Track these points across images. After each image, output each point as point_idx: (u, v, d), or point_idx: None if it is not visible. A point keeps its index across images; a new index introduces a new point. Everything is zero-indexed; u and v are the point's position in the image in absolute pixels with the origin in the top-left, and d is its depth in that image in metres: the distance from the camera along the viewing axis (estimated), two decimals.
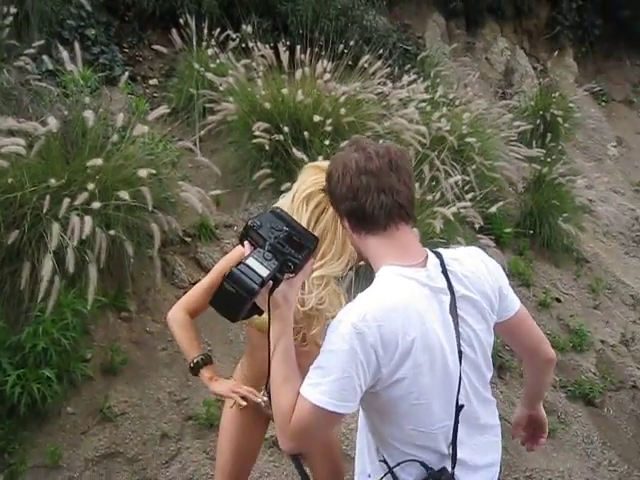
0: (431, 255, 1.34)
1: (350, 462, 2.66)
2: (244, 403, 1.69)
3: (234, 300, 1.17)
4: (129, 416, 2.86)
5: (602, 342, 4.52)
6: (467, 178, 4.27)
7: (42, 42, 4.17)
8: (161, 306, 3.40)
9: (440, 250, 1.37)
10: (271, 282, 1.22)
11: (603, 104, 7.89)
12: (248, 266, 1.18)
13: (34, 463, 2.58)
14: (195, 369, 1.74)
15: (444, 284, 1.30)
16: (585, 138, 7.02)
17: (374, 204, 1.26)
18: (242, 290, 1.16)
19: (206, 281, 1.78)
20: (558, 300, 4.71)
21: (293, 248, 1.25)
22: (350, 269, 1.75)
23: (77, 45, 3.61)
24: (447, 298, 1.29)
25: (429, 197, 3.84)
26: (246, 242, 1.28)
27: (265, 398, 1.75)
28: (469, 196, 4.10)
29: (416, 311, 1.23)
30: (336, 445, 2.05)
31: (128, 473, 2.67)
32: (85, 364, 2.91)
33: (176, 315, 1.78)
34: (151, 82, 5.15)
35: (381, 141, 4.13)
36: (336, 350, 1.20)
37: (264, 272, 1.18)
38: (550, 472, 3.47)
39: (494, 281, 1.38)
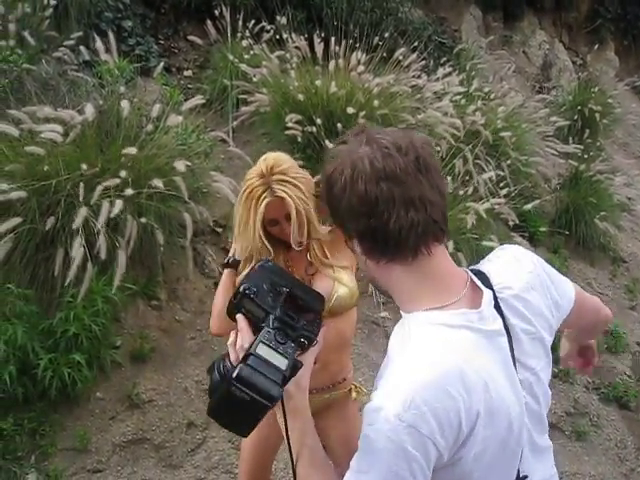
0: (476, 281, 1.01)
1: None
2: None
3: (248, 409, 0.86)
4: (157, 403, 2.89)
5: (638, 344, 4.39)
6: (501, 173, 4.19)
7: (80, 33, 4.24)
8: (191, 295, 3.43)
9: (480, 268, 1.07)
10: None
11: None
12: (260, 358, 0.86)
13: (64, 446, 2.63)
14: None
15: (500, 323, 0.98)
16: (625, 134, 6.83)
17: (401, 223, 0.91)
18: (260, 396, 0.84)
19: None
20: None
21: (302, 316, 0.96)
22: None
23: (112, 36, 3.64)
24: (504, 340, 0.98)
25: (461, 192, 3.78)
26: (239, 316, 0.97)
27: None
28: (503, 192, 4.02)
29: (475, 373, 0.91)
30: None
31: (154, 459, 2.69)
32: (115, 351, 2.95)
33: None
34: (185, 73, 5.17)
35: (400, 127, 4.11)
36: (379, 451, 0.88)
37: (282, 363, 0.88)
38: (581, 476, 3.39)
39: (545, 290, 1.07)
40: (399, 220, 0.91)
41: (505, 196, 3.99)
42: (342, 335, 1.76)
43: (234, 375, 0.85)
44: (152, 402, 2.88)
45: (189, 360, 3.13)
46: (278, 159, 1.64)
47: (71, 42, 4.08)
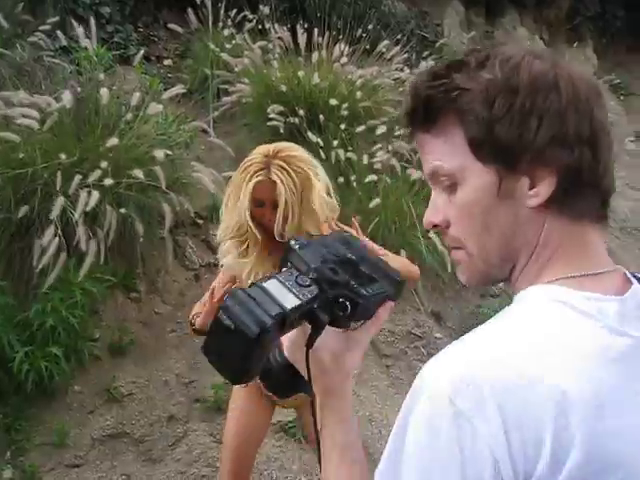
0: (627, 274, 0.73)
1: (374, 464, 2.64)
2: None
3: (234, 342, 0.68)
4: (136, 397, 2.84)
5: None
6: None
7: (57, 19, 4.13)
8: (171, 287, 3.38)
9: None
10: (308, 325, 0.75)
11: (622, 97, 7.75)
12: (263, 289, 0.71)
13: (41, 441, 2.57)
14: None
15: None
16: None
17: (602, 159, 0.68)
18: (244, 325, 0.67)
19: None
20: None
21: (355, 279, 0.77)
22: None
23: (92, 22, 3.55)
24: None
25: None
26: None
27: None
28: None
29: (588, 384, 0.61)
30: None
31: (134, 454, 2.65)
32: (93, 344, 2.89)
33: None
34: (165, 62, 5.09)
35: (397, 127, 4.11)
36: (421, 451, 0.61)
37: (289, 301, 0.70)
38: None
39: None
40: (602, 156, 0.67)
41: None
42: None
43: (225, 300, 0.70)
44: (131, 395, 2.83)
45: (169, 353, 3.08)
46: (289, 147, 1.63)
47: (47, 27, 3.97)
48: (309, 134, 3.81)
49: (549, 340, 0.62)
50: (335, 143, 3.76)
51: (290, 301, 0.70)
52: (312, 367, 0.75)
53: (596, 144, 0.67)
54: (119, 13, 5.29)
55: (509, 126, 0.65)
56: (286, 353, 0.80)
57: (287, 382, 0.80)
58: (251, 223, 1.59)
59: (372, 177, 3.41)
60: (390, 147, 3.73)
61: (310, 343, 0.74)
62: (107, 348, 2.98)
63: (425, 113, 0.70)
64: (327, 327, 0.75)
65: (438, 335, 3.56)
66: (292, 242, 0.80)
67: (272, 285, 0.72)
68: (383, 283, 0.78)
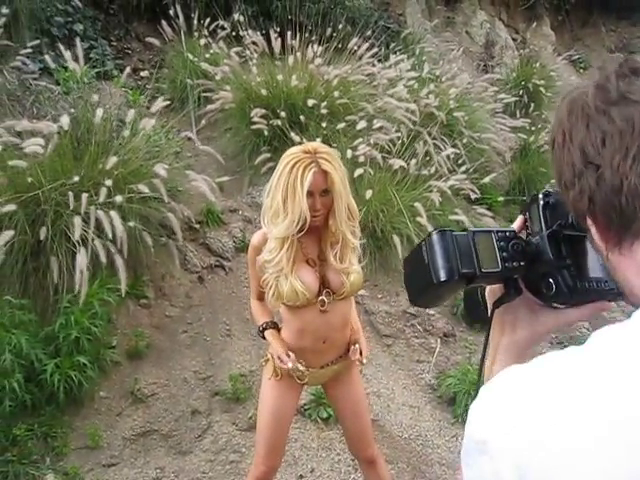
0: None
1: (376, 428, 2.86)
2: (284, 367, 1.89)
3: (420, 272, 0.72)
4: (159, 396, 3.02)
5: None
6: (457, 151, 4.44)
7: (37, 42, 4.25)
8: (177, 291, 3.56)
9: None
10: (501, 287, 0.75)
11: (582, 71, 8.07)
12: (472, 241, 0.70)
13: (76, 445, 2.74)
14: (261, 332, 2.01)
15: None
16: None
17: None
18: (434, 267, 0.70)
19: (250, 273, 2.02)
20: None
21: (577, 262, 0.70)
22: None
23: (79, 42, 3.70)
24: None
25: (424, 172, 4.01)
26: (520, 217, 0.77)
27: (300, 367, 1.94)
28: (461, 169, 4.27)
29: None
30: (366, 407, 2.23)
31: (164, 448, 2.84)
32: (112, 350, 3.06)
33: (251, 302, 2.10)
34: (142, 74, 5.22)
35: (375, 121, 4.32)
36: None
37: (488, 263, 0.69)
38: None
39: None
40: None
41: (463, 172, 4.24)
42: (345, 316, 1.95)
43: (434, 232, 0.72)
44: (155, 395, 3.01)
45: (184, 352, 3.27)
46: (323, 146, 1.80)
47: (28, 50, 4.09)
48: (292, 134, 4.00)
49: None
50: (318, 140, 3.96)
51: (489, 264, 0.70)
52: (494, 319, 0.77)
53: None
54: (91, 29, 5.40)
55: None
56: (486, 292, 0.79)
57: (468, 309, 0.86)
58: (308, 214, 1.72)
59: (359, 171, 3.62)
60: (371, 140, 3.94)
61: (497, 304, 0.75)
62: (125, 353, 3.16)
63: None
64: (528, 294, 0.74)
65: (431, 312, 3.79)
66: (541, 194, 0.74)
67: (483, 240, 0.71)
68: (610, 283, 0.69)
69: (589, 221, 0.59)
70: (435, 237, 0.71)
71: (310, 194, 1.74)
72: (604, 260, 0.62)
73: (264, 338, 2.01)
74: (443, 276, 0.69)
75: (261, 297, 2.02)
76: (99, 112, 3.16)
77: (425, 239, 0.72)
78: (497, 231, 0.73)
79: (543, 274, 0.70)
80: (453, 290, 0.74)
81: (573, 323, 0.77)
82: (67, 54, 3.57)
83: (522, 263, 0.71)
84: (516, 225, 0.78)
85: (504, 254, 0.71)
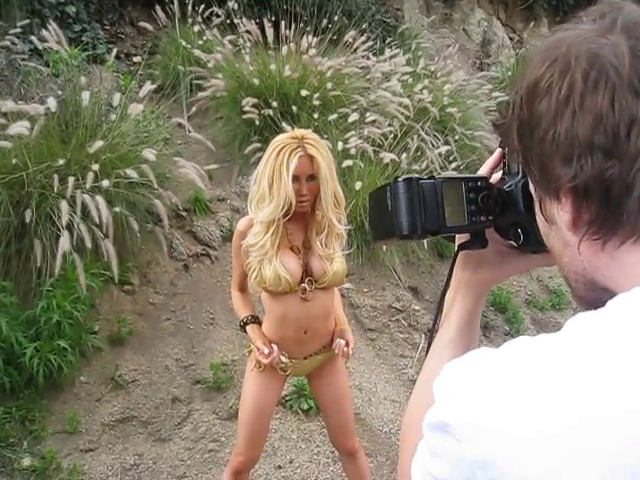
0: None
1: (357, 421, 2.86)
2: (265, 362, 1.88)
3: (384, 219, 0.69)
4: (140, 383, 3.01)
5: None
6: (450, 148, 4.43)
7: (28, 21, 4.19)
8: (162, 278, 3.53)
9: None
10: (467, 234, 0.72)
11: None
12: (439, 194, 0.66)
13: (54, 429, 2.72)
14: (242, 326, 2.00)
15: None
16: None
17: None
18: (398, 220, 0.66)
19: (234, 261, 2.03)
20: None
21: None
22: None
23: (54, 24, 3.64)
24: None
25: (415, 167, 4.00)
26: (498, 151, 0.72)
27: (284, 359, 1.93)
28: (452, 166, 4.26)
29: None
30: (349, 399, 2.22)
31: (144, 435, 2.83)
32: (94, 336, 3.04)
33: (232, 294, 2.10)
34: (135, 59, 5.16)
35: (368, 114, 4.30)
36: None
37: (454, 219, 0.67)
38: None
39: None
40: None
41: (454, 169, 4.24)
42: (326, 307, 1.95)
43: (400, 179, 0.67)
44: (135, 382, 3.00)
45: (166, 340, 3.25)
46: (311, 133, 1.80)
47: (17, 30, 4.04)
48: (283, 125, 3.97)
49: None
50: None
51: (455, 218, 0.67)
52: (458, 256, 0.74)
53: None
54: (84, 12, 5.33)
55: None
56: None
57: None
58: (294, 198, 1.73)
59: (348, 162, 3.61)
60: (364, 132, 3.93)
61: (462, 248, 0.73)
62: (107, 339, 3.14)
63: None
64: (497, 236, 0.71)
65: (417, 307, 3.80)
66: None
67: (451, 191, 0.67)
68: None
69: (562, 201, 0.52)
70: (401, 185, 0.66)
71: (296, 178, 1.74)
72: (561, 242, 0.57)
73: (245, 332, 1.99)
74: (406, 230, 0.66)
75: (243, 288, 2.01)
76: (85, 95, 3.12)
77: (391, 184, 0.67)
78: (467, 180, 0.68)
79: (513, 222, 0.68)
80: (416, 241, 0.71)
81: (538, 266, 0.75)
82: (49, 35, 3.51)
83: (490, 217, 0.68)
84: (492, 160, 0.73)
85: (472, 207, 0.67)
